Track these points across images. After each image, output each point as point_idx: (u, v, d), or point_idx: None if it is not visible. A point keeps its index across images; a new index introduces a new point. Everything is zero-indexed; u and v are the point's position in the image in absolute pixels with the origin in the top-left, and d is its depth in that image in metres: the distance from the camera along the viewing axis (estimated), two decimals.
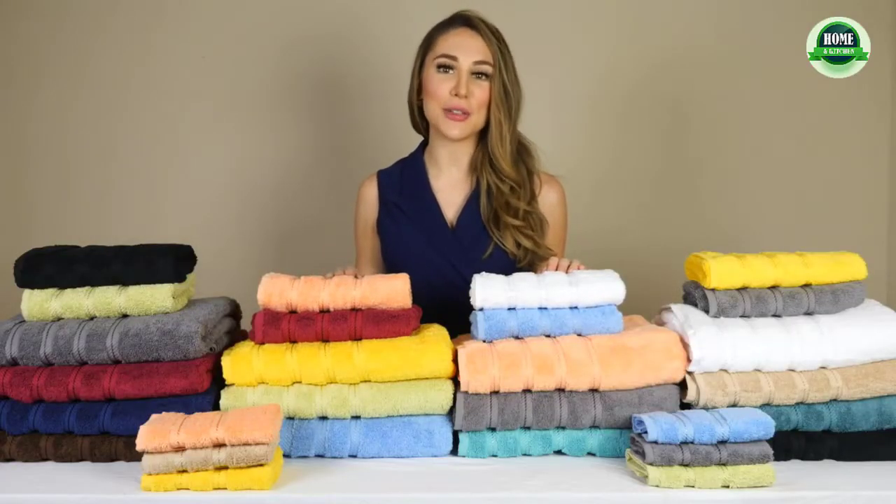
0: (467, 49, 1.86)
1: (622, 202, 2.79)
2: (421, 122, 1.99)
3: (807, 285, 1.54)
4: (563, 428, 1.47)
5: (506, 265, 1.86)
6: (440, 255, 1.90)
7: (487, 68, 1.86)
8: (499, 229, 1.88)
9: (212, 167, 2.77)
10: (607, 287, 1.51)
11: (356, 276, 1.58)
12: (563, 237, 2.00)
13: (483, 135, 1.93)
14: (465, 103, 1.84)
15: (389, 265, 1.98)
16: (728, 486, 1.31)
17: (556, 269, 1.67)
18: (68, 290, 1.51)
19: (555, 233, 1.96)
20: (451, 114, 1.85)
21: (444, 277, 1.87)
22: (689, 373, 1.48)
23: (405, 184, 1.98)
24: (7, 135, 2.75)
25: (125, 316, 1.51)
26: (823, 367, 1.49)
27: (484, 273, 1.57)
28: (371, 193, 2.01)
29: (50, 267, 1.50)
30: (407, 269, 1.65)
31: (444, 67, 1.86)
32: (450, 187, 1.96)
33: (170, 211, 2.78)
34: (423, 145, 2.02)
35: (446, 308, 1.65)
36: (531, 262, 1.90)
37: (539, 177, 1.94)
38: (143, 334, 1.45)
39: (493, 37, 1.88)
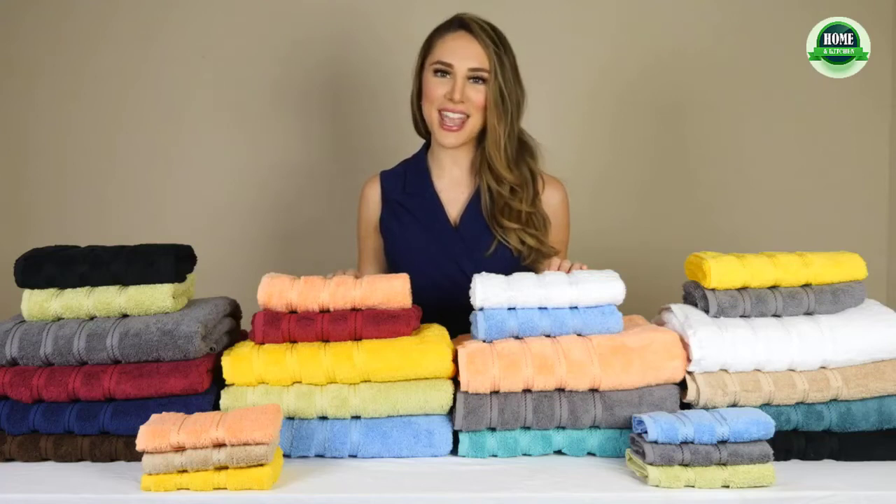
0: (463, 55, 1.85)
1: (622, 202, 2.79)
2: (422, 124, 1.99)
3: (807, 285, 1.54)
4: (563, 428, 1.47)
5: (509, 263, 1.87)
6: (443, 252, 1.90)
7: (483, 74, 1.86)
8: (502, 227, 1.89)
9: (212, 167, 2.77)
10: (607, 287, 1.51)
11: (356, 277, 1.58)
12: (566, 239, 2.00)
13: (483, 136, 1.92)
14: (459, 107, 1.85)
15: (393, 264, 1.99)
16: (728, 486, 1.31)
17: (559, 270, 1.67)
18: (68, 290, 1.50)
19: (557, 235, 1.96)
20: (445, 123, 1.86)
21: (447, 275, 1.87)
22: (689, 373, 1.48)
23: (408, 183, 1.98)
24: (7, 134, 2.75)
25: (125, 316, 1.51)
26: (823, 367, 1.49)
27: (484, 273, 1.57)
28: (374, 193, 2.01)
29: (50, 267, 1.50)
30: (410, 268, 1.65)
31: (440, 72, 1.87)
32: (452, 186, 1.97)
33: (170, 211, 2.78)
34: (427, 146, 2.02)
35: (450, 306, 1.64)
36: (535, 259, 1.90)
37: (542, 177, 1.94)
38: (143, 334, 1.45)
39: (490, 40, 1.86)
